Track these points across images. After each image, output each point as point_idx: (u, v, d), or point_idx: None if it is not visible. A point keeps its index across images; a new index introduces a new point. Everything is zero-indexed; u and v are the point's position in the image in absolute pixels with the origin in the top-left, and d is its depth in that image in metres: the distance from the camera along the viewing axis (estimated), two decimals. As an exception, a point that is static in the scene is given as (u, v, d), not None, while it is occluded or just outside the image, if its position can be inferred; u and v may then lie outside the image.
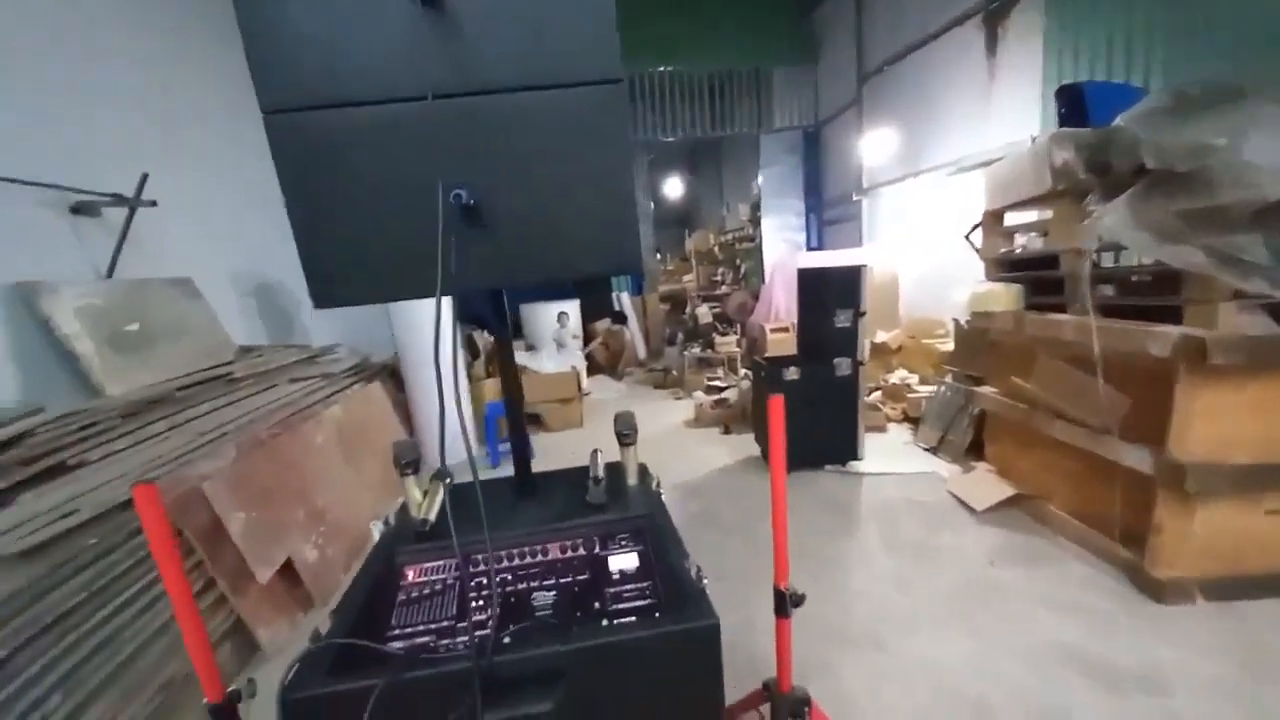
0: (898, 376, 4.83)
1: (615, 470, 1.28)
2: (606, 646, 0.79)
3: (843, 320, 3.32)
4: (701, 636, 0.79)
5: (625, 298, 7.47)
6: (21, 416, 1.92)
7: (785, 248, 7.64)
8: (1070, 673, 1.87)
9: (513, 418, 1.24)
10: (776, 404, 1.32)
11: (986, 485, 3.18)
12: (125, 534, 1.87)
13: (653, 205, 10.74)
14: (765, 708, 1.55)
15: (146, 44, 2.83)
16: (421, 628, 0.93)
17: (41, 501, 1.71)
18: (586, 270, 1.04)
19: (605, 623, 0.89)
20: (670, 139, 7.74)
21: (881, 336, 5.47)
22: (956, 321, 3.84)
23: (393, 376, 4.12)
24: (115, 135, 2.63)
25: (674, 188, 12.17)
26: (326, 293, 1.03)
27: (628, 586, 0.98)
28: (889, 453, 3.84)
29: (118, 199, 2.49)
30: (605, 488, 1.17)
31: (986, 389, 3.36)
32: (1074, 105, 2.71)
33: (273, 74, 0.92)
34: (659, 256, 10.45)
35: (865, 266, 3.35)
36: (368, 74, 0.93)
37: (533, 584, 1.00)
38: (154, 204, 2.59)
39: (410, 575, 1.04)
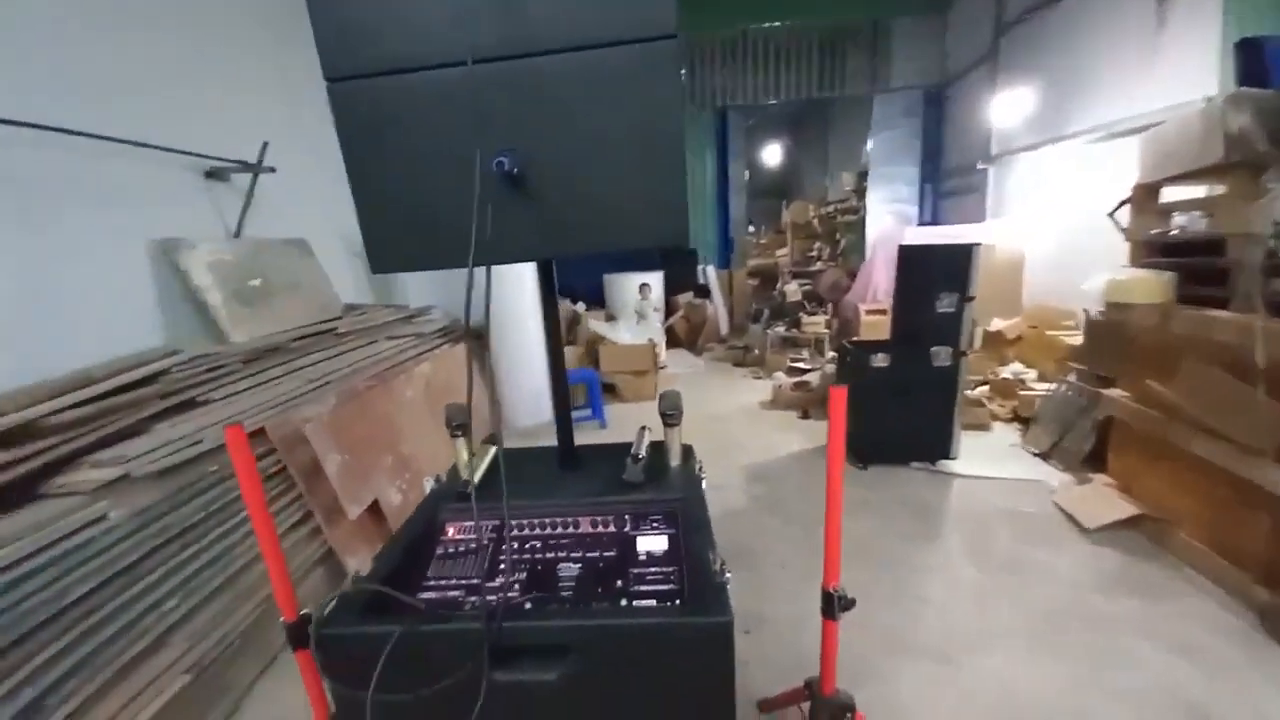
0: (1011, 371, 4.34)
1: (659, 450, 1.24)
2: (615, 628, 0.77)
3: (946, 305, 3.00)
4: (712, 632, 0.74)
5: (711, 271, 7.29)
6: (161, 357, 2.22)
7: (892, 221, 7.03)
8: (1169, 714, 1.61)
9: (557, 391, 1.23)
10: (838, 395, 1.21)
11: (1103, 501, 2.79)
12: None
13: (748, 174, 10.30)
14: (806, 705, 1.48)
15: (266, 35, 3.08)
16: (454, 581, 0.96)
17: (173, 431, 1.98)
18: (632, 242, 0.99)
19: (624, 603, 0.87)
20: (773, 102, 7.28)
21: (998, 324, 4.92)
22: (1088, 313, 3.35)
23: (479, 339, 4.34)
24: (243, 111, 2.91)
25: (773, 155, 11.57)
26: (383, 258, 1.06)
27: (653, 569, 0.95)
28: (990, 455, 3.48)
29: (243, 165, 2.78)
30: (644, 467, 1.13)
31: (1116, 392, 2.92)
32: (1256, 62, 2.21)
33: (334, 42, 0.95)
34: (750, 229, 10.04)
35: (979, 245, 2.98)
36: (419, 39, 0.92)
37: (560, 555, 1.00)
38: (273, 170, 2.86)
39: (450, 531, 1.08)
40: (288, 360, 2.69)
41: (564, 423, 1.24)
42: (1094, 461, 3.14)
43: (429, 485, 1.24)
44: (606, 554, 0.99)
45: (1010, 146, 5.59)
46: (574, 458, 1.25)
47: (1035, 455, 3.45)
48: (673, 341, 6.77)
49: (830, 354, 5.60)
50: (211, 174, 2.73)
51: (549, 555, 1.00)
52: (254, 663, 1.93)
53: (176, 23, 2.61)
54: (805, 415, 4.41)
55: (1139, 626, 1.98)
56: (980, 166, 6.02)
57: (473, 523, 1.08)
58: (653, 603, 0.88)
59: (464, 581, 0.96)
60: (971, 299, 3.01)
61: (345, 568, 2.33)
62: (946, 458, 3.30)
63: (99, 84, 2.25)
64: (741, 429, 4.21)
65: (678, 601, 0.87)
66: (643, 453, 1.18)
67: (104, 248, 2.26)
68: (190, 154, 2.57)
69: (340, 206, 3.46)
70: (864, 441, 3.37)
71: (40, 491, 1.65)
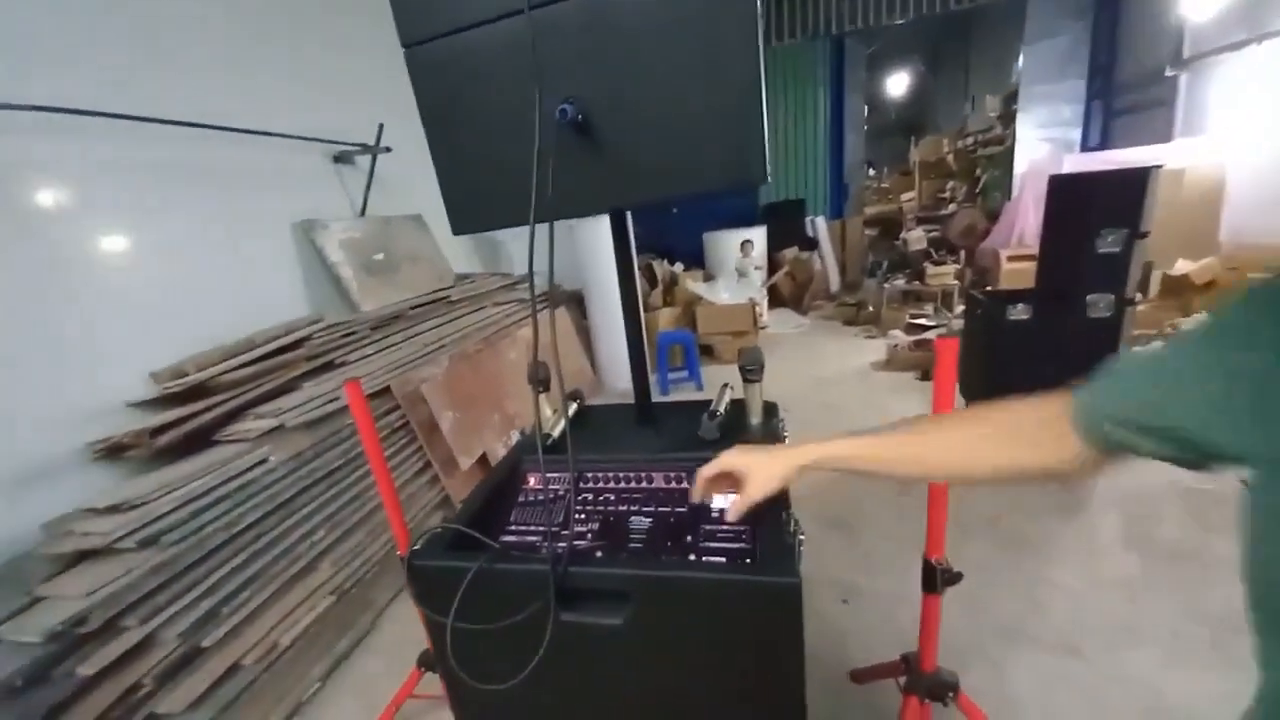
0: (1195, 322, 3.58)
1: (739, 408, 1.17)
2: (678, 580, 0.75)
3: (1109, 244, 2.50)
4: (779, 593, 0.69)
5: (820, 223, 6.80)
6: (307, 325, 2.52)
7: (1048, 150, 6.03)
8: None
9: (633, 346, 1.20)
10: (946, 347, 1.06)
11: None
12: (374, 417, 2.38)
13: (866, 109, 9.29)
14: (902, 679, 1.37)
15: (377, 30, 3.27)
16: (532, 527, 0.99)
17: (317, 389, 2.26)
18: (706, 185, 0.92)
19: (693, 558, 0.84)
20: (899, 21, 6.26)
21: (1183, 267, 4.08)
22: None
23: (578, 304, 4.45)
24: (361, 97, 3.15)
25: (898, 85, 10.33)
26: (462, 220, 1.08)
27: (725, 528, 0.90)
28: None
29: (364, 147, 3.02)
30: (721, 424, 1.08)
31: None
32: None
33: (407, 7, 0.96)
34: (870, 173, 9.15)
35: (1156, 169, 2.44)
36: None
37: (632, 508, 0.99)
38: (389, 150, 3.08)
39: (531, 481, 1.11)
40: (408, 326, 2.94)
41: (640, 378, 1.22)
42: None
43: (514, 437, 1.28)
44: (678, 510, 0.96)
45: (1209, 46, 4.49)
46: (651, 414, 1.22)
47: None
48: (776, 300, 6.46)
49: (960, 308, 5.02)
50: (338, 158, 3.01)
51: (621, 508, 0.99)
52: (389, 588, 2.20)
53: (290, 23, 2.85)
54: (925, 377, 4.01)
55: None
56: (1169, 73, 4.92)
57: (552, 474, 1.10)
58: (722, 560, 0.84)
59: (541, 528, 0.98)
60: (1144, 235, 2.48)
61: (461, 513, 2.56)
62: (1101, 425, 2.82)
63: (245, 81, 2.54)
64: (850, 392, 3.94)
65: (748, 561, 0.83)
66: (721, 410, 1.12)
67: (260, 229, 2.59)
68: (321, 140, 2.84)
69: (448, 180, 3.69)
70: (994, 405, 2.99)
71: (215, 438, 1.97)
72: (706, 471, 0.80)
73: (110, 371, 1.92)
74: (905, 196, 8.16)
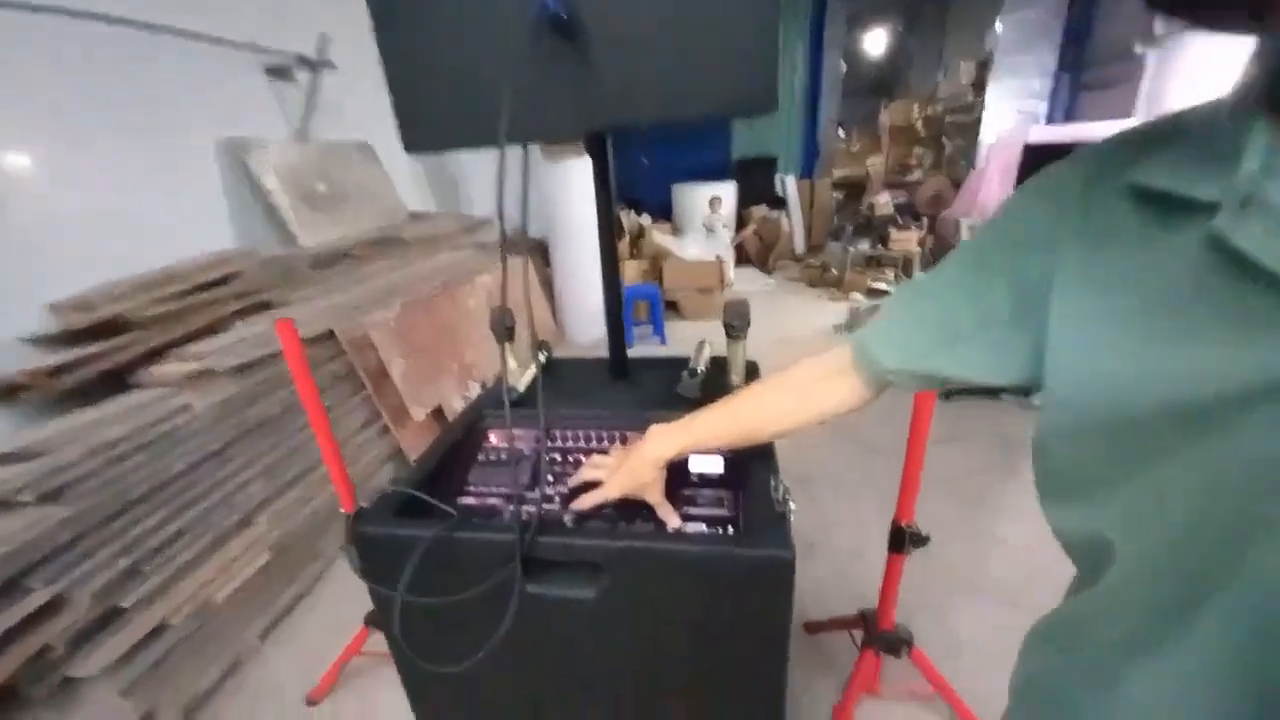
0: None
1: (720, 366, 1.10)
2: (658, 553, 0.67)
3: (1070, 215, 2.53)
4: (769, 567, 0.63)
5: (790, 181, 6.70)
6: (239, 258, 2.27)
7: (1016, 121, 6.07)
8: None
9: (609, 294, 1.10)
10: None
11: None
12: (314, 363, 2.20)
13: (844, 68, 9.08)
14: (858, 633, 1.40)
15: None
16: (494, 489, 0.90)
17: (249, 330, 2.05)
18: (705, 108, 0.80)
19: (674, 528, 0.78)
20: None
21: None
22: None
23: (543, 253, 4.25)
24: (301, 4, 2.77)
25: (876, 43, 10.13)
26: (417, 137, 0.93)
27: (706, 492, 0.84)
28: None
29: (303, 60, 2.68)
30: (701, 382, 1.00)
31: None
32: None
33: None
34: (841, 133, 9.04)
35: (1124, 141, 2.45)
36: None
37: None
38: (333, 65, 2.75)
39: (493, 438, 1.02)
40: (355, 266, 2.71)
41: (616, 330, 1.12)
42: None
43: (475, 390, 1.17)
44: (655, 473, 0.89)
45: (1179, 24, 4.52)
46: (626, 369, 1.13)
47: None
48: (742, 259, 6.41)
49: (919, 275, 5.10)
50: (274, 72, 2.67)
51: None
52: (334, 541, 2.09)
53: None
54: (884, 341, 4.07)
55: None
56: (1139, 50, 4.96)
57: (516, 430, 1.01)
58: (703, 528, 0.78)
59: (504, 490, 0.89)
60: (1108, 209, 2.52)
61: (411, 464, 2.44)
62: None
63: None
64: (812, 352, 3.97)
65: (731, 529, 0.77)
66: (701, 367, 1.04)
67: (182, 148, 2.28)
68: (253, 49, 2.50)
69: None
70: (951, 371, 3.07)
71: (132, 382, 1.76)
72: (573, 482, 0.84)
73: (4, 305, 1.67)
74: (872, 161, 8.12)
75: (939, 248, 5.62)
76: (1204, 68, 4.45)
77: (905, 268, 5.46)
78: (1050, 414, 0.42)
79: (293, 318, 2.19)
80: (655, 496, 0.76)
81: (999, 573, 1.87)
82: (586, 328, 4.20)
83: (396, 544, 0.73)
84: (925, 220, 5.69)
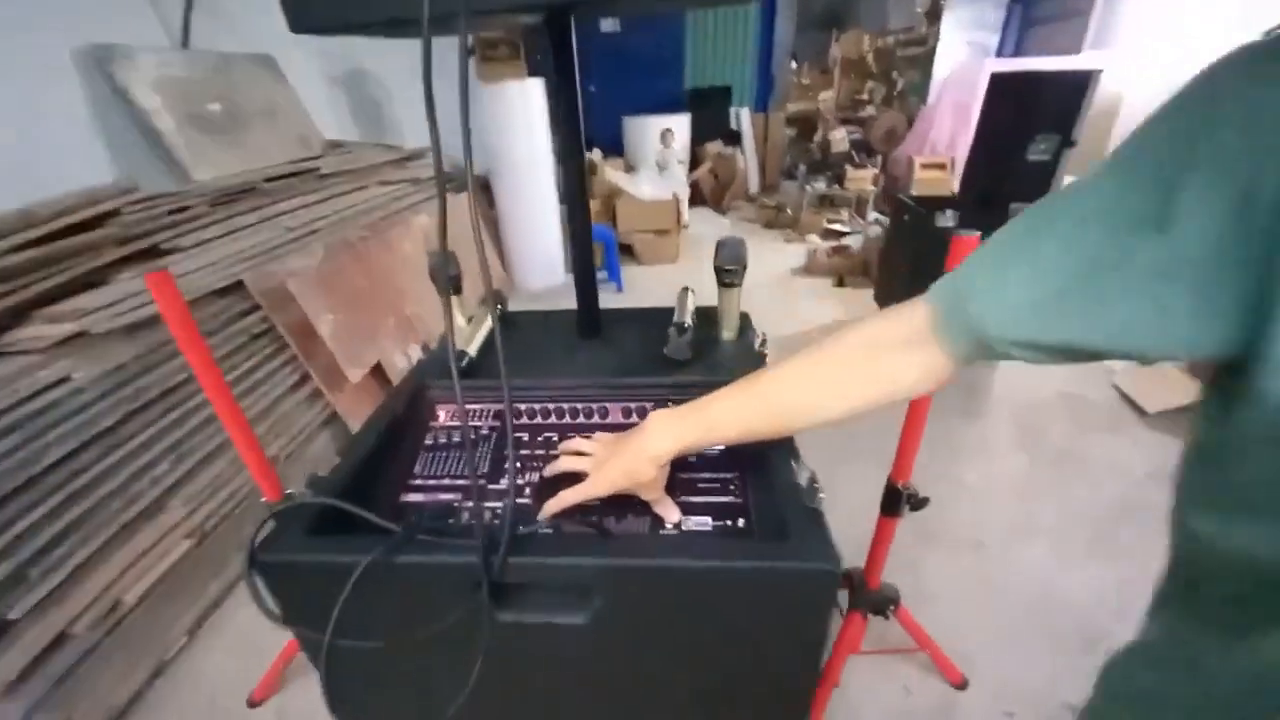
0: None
1: (707, 319, 0.95)
2: (665, 571, 0.54)
3: (1040, 150, 2.48)
4: (808, 582, 0.51)
5: (745, 115, 6.41)
6: (114, 195, 1.89)
7: (967, 55, 5.96)
8: None
9: (578, 238, 0.92)
10: (964, 246, 0.89)
11: (1168, 382, 2.53)
12: (221, 321, 1.90)
13: (797, -4, 8.57)
14: (843, 594, 1.37)
15: None
16: (448, 481, 0.73)
17: (136, 283, 1.72)
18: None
19: (671, 525, 0.65)
20: None
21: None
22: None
23: (485, 191, 3.89)
24: None
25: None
26: (306, 11, 0.69)
27: (706, 475, 0.71)
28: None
29: (173, -57, 2.18)
30: (691, 340, 0.85)
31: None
32: None
33: None
34: (794, 64, 8.70)
35: (1098, 73, 2.38)
36: None
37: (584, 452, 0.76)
38: (214, -46, 2.26)
39: (442, 416, 0.84)
40: (264, 205, 2.34)
41: (586, 278, 0.95)
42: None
43: (415, 355, 0.98)
44: (644, 453, 0.75)
45: (1137, -49, 4.47)
46: (598, 325, 0.97)
47: (1096, 333, 3.14)
48: (696, 199, 6.17)
49: (874, 215, 5.06)
50: (134, -43, 2.16)
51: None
52: (266, 523, 1.87)
53: None
54: (841, 283, 4.04)
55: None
56: (1091, -21, 4.89)
57: (473, 406, 0.84)
58: (707, 521, 0.65)
59: (461, 481, 0.73)
60: (1073, 144, 2.48)
61: (351, 432, 2.22)
62: (1000, 333, 2.99)
63: None
64: (771, 298, 3.89)
65: (742, 521, 0.65)
66: (689, 321, 0.89)
67: (17, 55, 1.82)
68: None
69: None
70: (909, 313, 3.06)
71: (-17, 348, 1.44)
72: (553, 471, 0.69)
73: None
74: (823, 96, 7.88)
75: (890, 187, 5.57)
76: (1151, 5, 4.43)
77: (859, 207, 5.41)
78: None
79: (195, 267, 1.88)
80: (654, 494, 0.63)
81: (964, 515, 1.90)
82: (540, 272, 3.94)
83: (317, 574, 0.56)
84: (879, 158, 5.60)
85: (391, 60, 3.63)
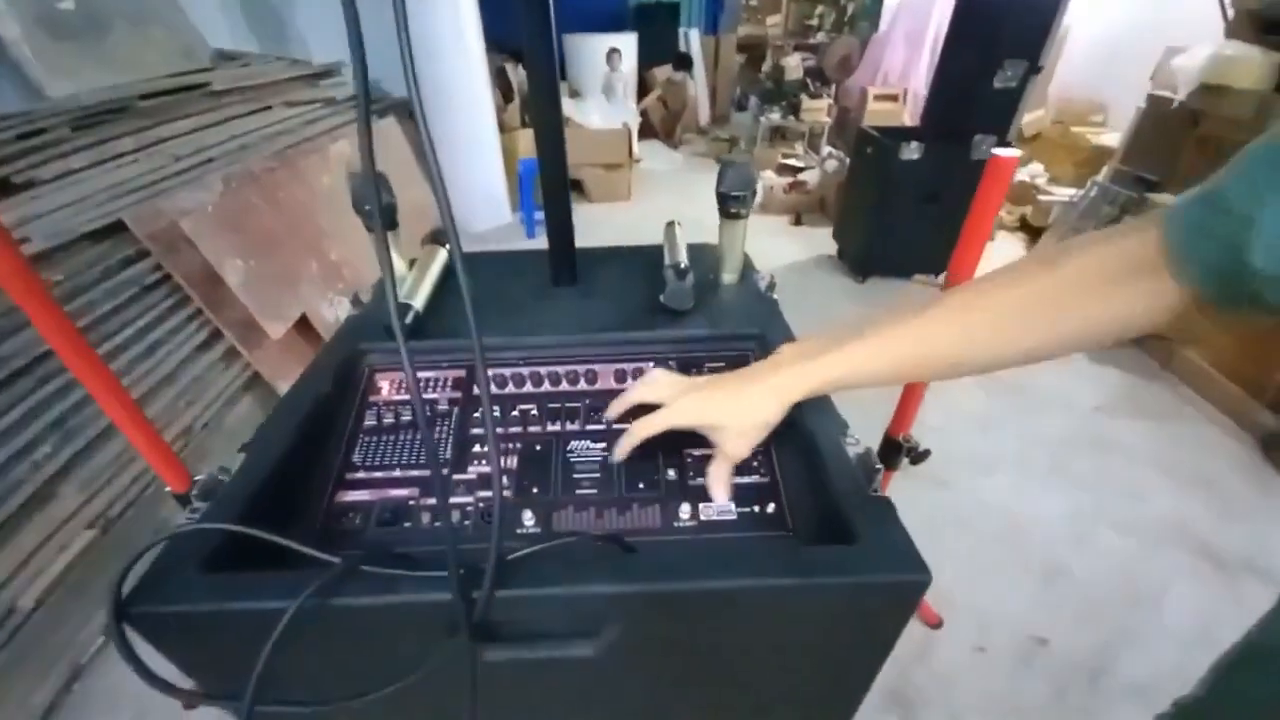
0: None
1: (701, 258, 0.81)
2: (707, 594, 0.42)
3: (1007, 77, 2.39)
4: (890, 596, 0.41)
5: (695, 37, 6.00)
6: (-64, 112, 1.49)
7: (919, -22, 5.72)
8: (1173, 548, 1.60)
9: (549, 169, 0.74)
10: (1003, 166, 0.78)
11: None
12: (99, 271, 1.59)
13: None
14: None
15: None
16: (399, 474, 0.59)
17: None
18: None
19: (685, 511, 0.53)
20: None
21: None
22: (1156, 98, 2.79)
23: (411, 117, 3.46)
24: None
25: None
26: None
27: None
28: (995, 267, 3.20)
29: None
30: (694, 286, 0.72)
31: (1164, 197, 2.57)
32: None
33: None
34: (743, -15, 8.17)
35: (1068, -8, 2.28)
36: None
37: (569, 426, 0.62)
38: None
39: (385, 388, 0.68)
40: (143, 128, 1.94)
41: (560, 213, 0.77)
42: (1104, 275, 2.93)
43: (341, 310, 0.79)
44: (644, 426, 0.62)
45: None
46: (574, 270, 0.81)
47: (1041, 267, 3.22)
48: (644, 131, 5.82)
49: (828, 150, 4.94)
50: None
51: (552, 427, 0.62)
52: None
53: None
54: (798, 221, 3.95)
55: (1143, 452, 1.92)
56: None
57: (425, 374, 0.68)
58: (731, 507, 0.54)
59: (415, 473, 0.59)
60: (1039, 70, 2.41)
61: (279, 394, 1.97)
62: (955, 269, 3.00)
63: None
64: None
65: (772, 506, 0.54)
66: (684, 261, 0.75)
67: None
68: None
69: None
70: (866, 250, 3.02)
71: None
72: (621, 405, 0.59)
73: None
74: (771, 20, 7.49)
75: (842, 119, 5.43)
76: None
77: (812, 141, 5.26)
78: None
79: (57, 204, 1.54)
80: (743, 450, 0.51)
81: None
82: (479, 211, 3.62)
83: (222, 625, 0.41)
84: (833, 87, 5.41)
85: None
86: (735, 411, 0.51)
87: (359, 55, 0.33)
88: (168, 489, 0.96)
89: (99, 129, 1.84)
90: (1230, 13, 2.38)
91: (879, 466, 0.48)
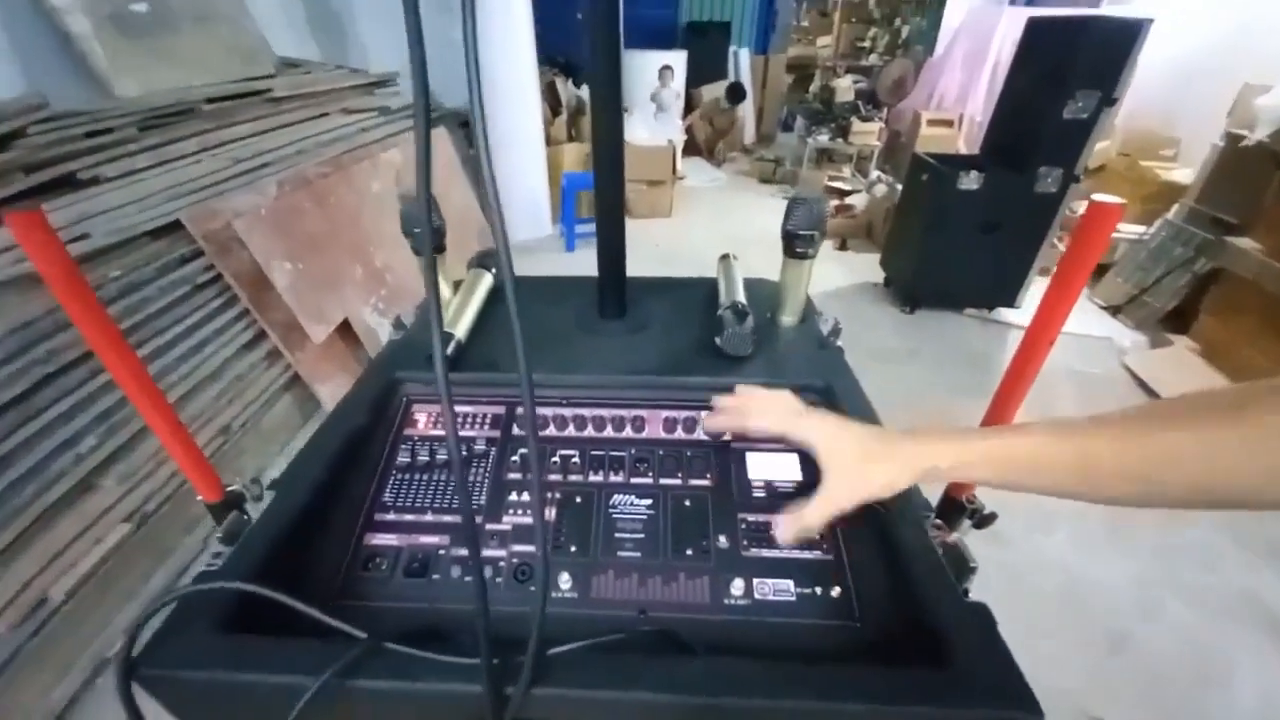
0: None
1: (758, 295, 0.76)
2: (764, 715, 0.36)
3: (1078, 109, 2.27)
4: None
5: (745, 56, 5.98)
6: (19, 112, 1.55)
7: (981, 2, 5.59)
8: (1246, 624, 1.45)
9: (605, 199, 0.70)
10: (1107, 213, 0.70)
11: (1183, 366, 2.46)
12: (156, 269, 1.63)
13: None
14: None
15: None
16: (430, 518, 0.55)
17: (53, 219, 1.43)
18: None
19: (738, 589, 0.48)
20: None
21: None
22: (1235, 136, 2.62)
23: (463, 127, 3.52)
24: None
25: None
26: None
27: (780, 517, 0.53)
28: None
29: None
30: (753, 329, 0.66)
31: (1246, 241, 2.40)
32: None
33: None
34: (795, 3, 8.15)
35: (1149, 22, 2.15)
36: None
37: (613, 478, 0.58)
38: None
39: (421, 421, 0.64)
40: (206, 130, 2.00)
41: (613, 242, 0.73)
42: (1170, 322, 2.75)
43: (382, 320, 0.77)
44: (695, 482, 0.57)
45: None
46: (624, 303, 0.76)
47: (1103, 308, 3.05)
48: (688, 148, 5.80)
49: (876, 173, 4.82)
50: None
51: (592, 478, 0.58)
52: (219, 499, 1.67)
53: None
54: (843, 246, 3.85)
55: (1214, 519, 1.75)
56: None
57: (465, 409, 0.64)
58: (788, 586, 0.49)
59: (447, 518, 0.55)
60: (1114, 102, 2.28)
61: (317, 397, 1.99)
62: (1009, 305, 2.86)
63: None
64: (766, 262, 3.64)
65: (837, 590, 0.48)
66: (743, 300, 0.70)
67: None
68: None
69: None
70: (915, 280, 2.90)
71: None
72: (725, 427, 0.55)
73: None
74: (822, 41, 7.42)
75: (892, 144, 5.31)
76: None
77: (860, 164, 5.15)
78: None
79: (121, 203, 1.59)
80: (835, 500, 0.44)
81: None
82: (522, 221, 3.64)
83: (236, 695, 0.38)
84: (885, 110, 5.30)
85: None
86: (854, 453, 0.45)
87: (421, 74, 0.29)
88: (198, 498, 0.95)
89: (164, 130, 1.90)
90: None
91: (974, 565, 0.41)
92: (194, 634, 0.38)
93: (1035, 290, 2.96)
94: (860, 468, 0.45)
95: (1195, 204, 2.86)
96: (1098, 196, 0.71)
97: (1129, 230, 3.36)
